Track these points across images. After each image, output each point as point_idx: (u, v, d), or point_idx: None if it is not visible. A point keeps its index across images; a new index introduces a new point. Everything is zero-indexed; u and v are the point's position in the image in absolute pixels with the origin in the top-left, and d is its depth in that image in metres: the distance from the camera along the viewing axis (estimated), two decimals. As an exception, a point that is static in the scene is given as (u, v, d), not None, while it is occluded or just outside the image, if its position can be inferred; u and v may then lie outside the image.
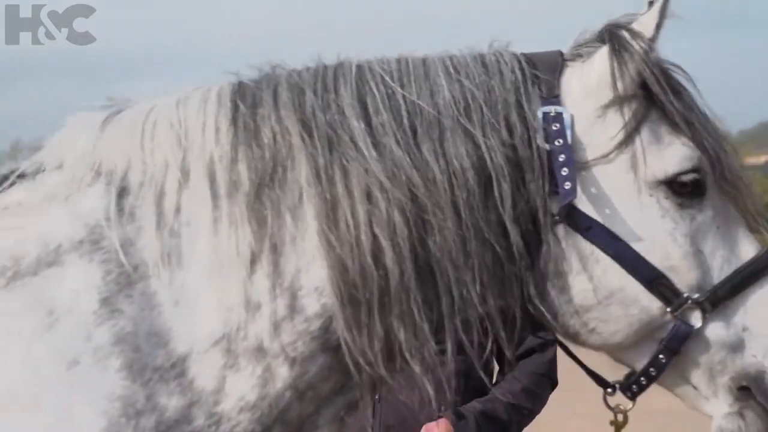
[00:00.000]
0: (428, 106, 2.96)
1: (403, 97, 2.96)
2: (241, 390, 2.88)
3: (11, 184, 3.04)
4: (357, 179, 2.91)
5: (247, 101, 3.01)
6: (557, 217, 2.99)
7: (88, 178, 3.01)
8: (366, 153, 2.92)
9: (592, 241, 3.00)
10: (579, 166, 3.01)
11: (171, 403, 2.84)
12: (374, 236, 2.89)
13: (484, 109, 2.97)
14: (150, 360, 2.84)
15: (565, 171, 2.97)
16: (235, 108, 2.99)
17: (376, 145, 2.93)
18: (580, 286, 3.02)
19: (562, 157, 2.98)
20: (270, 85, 3.02)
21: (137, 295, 2.86)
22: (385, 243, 2.89)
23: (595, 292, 3.01)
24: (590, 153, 3.03)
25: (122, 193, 2.97)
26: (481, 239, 2.93)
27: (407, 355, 2.92)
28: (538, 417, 5.32)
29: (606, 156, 3.03)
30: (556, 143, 2.99)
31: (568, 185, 2.97)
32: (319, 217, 2.91)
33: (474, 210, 2.93)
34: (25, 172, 3.06)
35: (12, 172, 3.07)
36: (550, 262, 2.99)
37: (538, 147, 2.98)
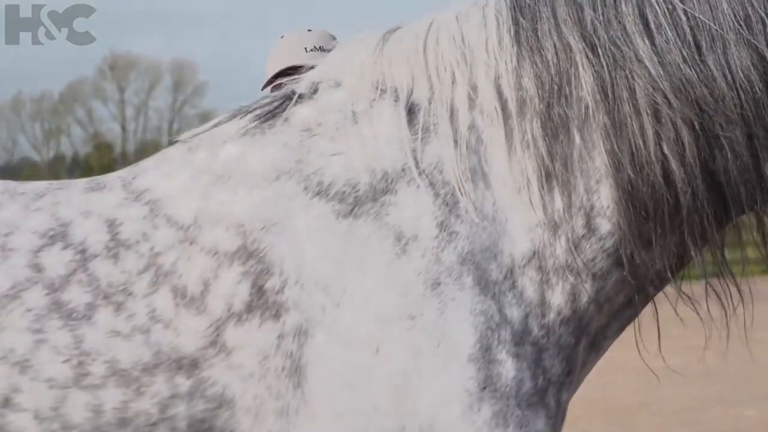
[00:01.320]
0: (709, 21, 2.95)
1: (684, 12, 2.96)
2: (558, 305, 2.99)
3: (295, 103, 3.13)
4: (644, 97, 2.92)
5: (526, 17, 3.03)
6: None
7: (373, 96, 3.08)
8: (652, 70, 2.92)
9: None
10: None
11: (515, 314, 2.93)
12: (664, 156, 2.91)
13: (766, 20, 2.97)
14: (488, 275, 2.93)
15: None
16: (516, 23, 3.03)
17: (662, 62, 2.93)
18: None
19: None
20: (547, 1, 3.04)
21: (464, 214, 2.95)
22: (675, 163, 2.91)
23: None
24: None
25: (412, 110, 3.04)
26: None
27: (700, 271, 3.03)
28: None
29: None
30: None
31: None
32: (606, 135, 2.94)
33: (764, 122, 2.94)
34: (303, 93, 3.14)
35: (293, 92, 3.14)
36: None
37: None
